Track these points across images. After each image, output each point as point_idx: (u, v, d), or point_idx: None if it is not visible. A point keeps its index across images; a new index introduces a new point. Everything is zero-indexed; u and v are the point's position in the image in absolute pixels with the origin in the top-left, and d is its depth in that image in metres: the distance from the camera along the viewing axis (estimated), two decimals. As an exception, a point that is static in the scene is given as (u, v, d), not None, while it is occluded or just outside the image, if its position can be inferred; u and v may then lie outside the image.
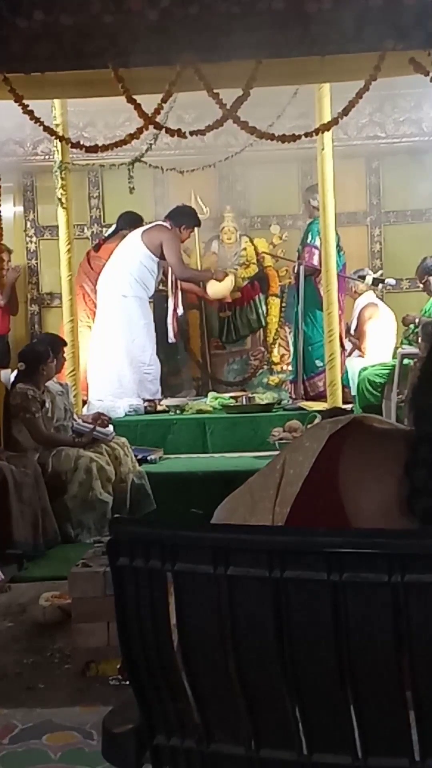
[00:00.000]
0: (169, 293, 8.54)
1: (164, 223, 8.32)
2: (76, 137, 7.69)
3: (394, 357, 7.80)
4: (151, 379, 8.15)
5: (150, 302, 8.44)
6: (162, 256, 8.16)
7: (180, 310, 8.58)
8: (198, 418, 7.67)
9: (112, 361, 8.08)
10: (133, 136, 6.61)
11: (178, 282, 8.53)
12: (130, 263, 8.12)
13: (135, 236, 8.25)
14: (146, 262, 8.12)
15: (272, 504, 1.39)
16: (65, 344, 7.03)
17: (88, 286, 8.59)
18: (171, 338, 8.53)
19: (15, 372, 6.56)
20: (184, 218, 8.37)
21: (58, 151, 7.69)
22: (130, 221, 8.68)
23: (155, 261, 8.16)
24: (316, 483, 1.35)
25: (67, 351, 7.26)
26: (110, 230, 8.97)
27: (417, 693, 1.14)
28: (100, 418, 6.78)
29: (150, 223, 8.50)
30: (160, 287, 8.60)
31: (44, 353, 6.46)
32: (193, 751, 1.29)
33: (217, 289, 8.67)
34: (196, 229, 8.62)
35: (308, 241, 8.13)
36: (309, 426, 6.92)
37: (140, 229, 8.32)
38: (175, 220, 8.30)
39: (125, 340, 8.08)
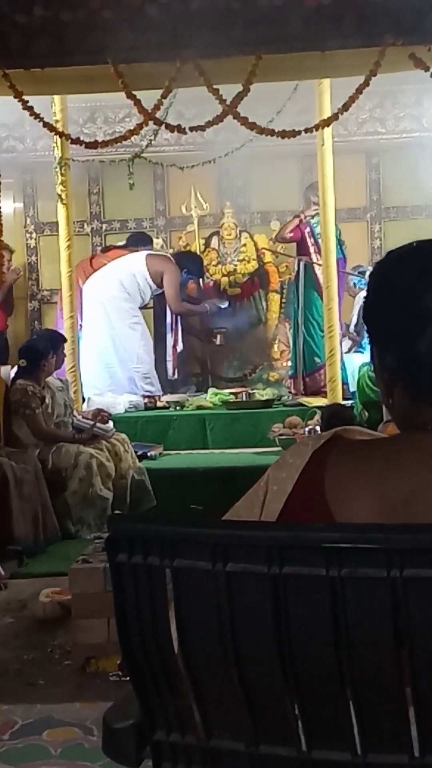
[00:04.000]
0: (169, 330, 8.61)
1: (170, 257, 8.43)
2: (76, 133, 7.69)
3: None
4: (141, 377, 8.17)
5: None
6: (158, 285, 8.23)
7: (180, 347, 8.69)
8: (198, 414, 7.68)
9: (102, 359, 8.14)
10: (133, 132, 6.61)
11: (178, 318, 8.60)
12: (124, 274, 8.21)
13: (140, 255, 8.37)
14: (140, 281, 8.20)
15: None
16: (65, 340, 7.04)
17: (83, 282, 8.62)
18: (170, 374, 8.59)
19: (15, 368, 6.56)
20: (190, 264, 8.54)
21: (57, 147, 7.69)
22: (140, 241, 8.79)
23: (149, 286, 8.27)
24: (302, 498, 1.35)
25: (67, 347, 7.27)
26: (120, 243, 9.01)
27: (416, 689, 1.14)
28: (100, 414, 6.78)
29: (158, 251, 8.57)
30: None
31: (45, 349, 6.46)
32: (193, 747, 1.29)
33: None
34: (195, 221, 8.66)
35: (308, 222, 8.15)
36: (307, 420, 6.92)
37: (146, 252, 8.42)
38: (181, 261, 8.39)
39: (112, 340, 8.13)
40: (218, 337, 8.80)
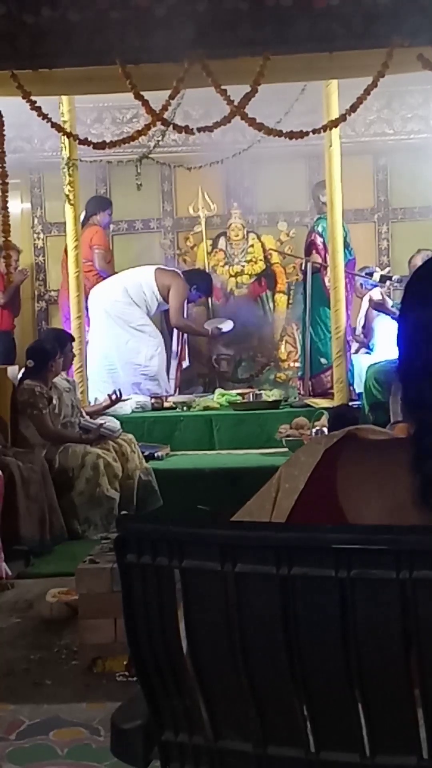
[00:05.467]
0: (174, 356, 8.59)
1: (179, 272, 8.43)
2: (84, 134, 7.70)
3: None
4: (148, 379, 8.17)
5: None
6: (165, 298, 8.23)
7: (185, 363, 8.68)
8: (205, 414, 7.67)
9: (106, 363, 8.15)
10: (140, 133, 6.62)
11: (185, 335, 8.63)
12: (130, 283, 8.23)
13: (149, 268, 8.39)
14: (147, 291, 8.20)
15: (268, 519, 1.39)
16: (73, 339, 7.05)
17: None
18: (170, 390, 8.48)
19: (23, 368, 6.57)
20: (199, 281, 8.51)
21: (65, 147, 7.69)
22: (98, 205, 8.80)
23: (156, 299, 8.25)
24: (313, 496, 1.36)
25: (74, 348, 7.30)
26: (81, 219, 8.95)
27: (425, 690, 1.14)
28: (114, 396, 6.84)
29: (167, 267, 8.63)
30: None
31: (52, 350, 6.48)
32: (201, 748, 1.29)
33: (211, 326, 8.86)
34: (201, 226, 8.64)
35: (315, 228, 8.15)
36: (314, 421, 6.92)
37: (156, 266, 8.46)
38: (190, 278, 8.39)
39: (117, 344, 8.14)
40: (222, 363, 8.80)
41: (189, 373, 8.91)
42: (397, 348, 1.39)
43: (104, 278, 8.54)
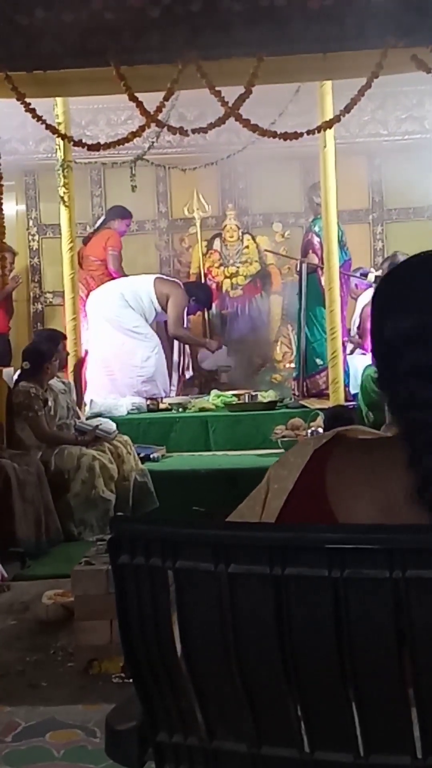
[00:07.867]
0: (176, 356, 8.60)
1: (180, 283, 8.45)
2: (78, 135, 7.69)
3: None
4: (144, 381, 8.17)
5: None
6: (164, 307, 8.24)
7: (189, 373, 8.69)
8: (201, 416, 7.67)
9: (104, 363, 8.14)
10: (135, 134, 6.61)
11: (184, 347, 8.64)
12: (129, 290, 8.24)
13: (149, 277, 8.40)
14: (145, 299, 8.21)
15: (258, 520, 1.40)
16: (65, 338, 7.06)
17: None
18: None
19: (19, 370, 6.57)
20: (199, 293, 8.53)
21: (60, 149, 7.69)
22: (118, 213, 8.87)
23: (154, 308, 8.25)
24: (303, 496, 1.36)
25: (70, 349, 7.32)
26: (99, 222, 8.99)
27: (419, 690, 1.14)
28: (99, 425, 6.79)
29: (168, 276, 8.67)
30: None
31: (48, 351, 6.47)
32: (196, 748, 1.29)
33: (209, 359, 8.87)
34: (196, 229, 8.64)
35: (312, 228, 8.15)
36: (310, 422, 6.92)
37: (156, 275, 8.48)
38: (190, 290, 8.39)
39: (113, 346, 8.14)
40: (222, 375, 8.80)
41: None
42: (372, 356, 1.40)
43: (116, 279, 8.58)
